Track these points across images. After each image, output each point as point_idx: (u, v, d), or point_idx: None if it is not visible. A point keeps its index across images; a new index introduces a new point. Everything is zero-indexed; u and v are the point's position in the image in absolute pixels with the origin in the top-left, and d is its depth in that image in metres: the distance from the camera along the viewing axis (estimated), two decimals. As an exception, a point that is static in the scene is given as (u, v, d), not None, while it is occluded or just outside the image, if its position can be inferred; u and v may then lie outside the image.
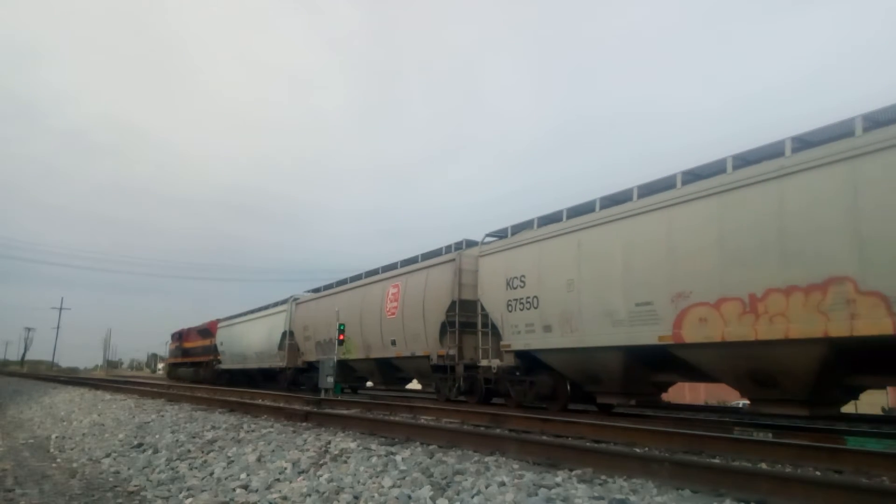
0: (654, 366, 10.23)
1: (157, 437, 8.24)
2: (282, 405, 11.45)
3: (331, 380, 17.14)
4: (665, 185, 9.72)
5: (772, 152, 8.33)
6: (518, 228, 12.84)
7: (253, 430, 7.77)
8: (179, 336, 39.60)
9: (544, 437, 6.88)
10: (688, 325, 8.93)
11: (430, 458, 5.32)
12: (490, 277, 13.09)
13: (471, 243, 14.81)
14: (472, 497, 4.12)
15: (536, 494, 4.02)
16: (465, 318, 13.94)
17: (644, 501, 3.84)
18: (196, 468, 6.14)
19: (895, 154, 6.96)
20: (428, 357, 14.73)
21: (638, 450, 6.34)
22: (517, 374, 12.41)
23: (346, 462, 5.41)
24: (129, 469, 6.65)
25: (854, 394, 8.80)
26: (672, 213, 9.39)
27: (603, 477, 4.49)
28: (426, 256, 16.23)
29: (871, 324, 6.95)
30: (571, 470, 4.74)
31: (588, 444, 6.42)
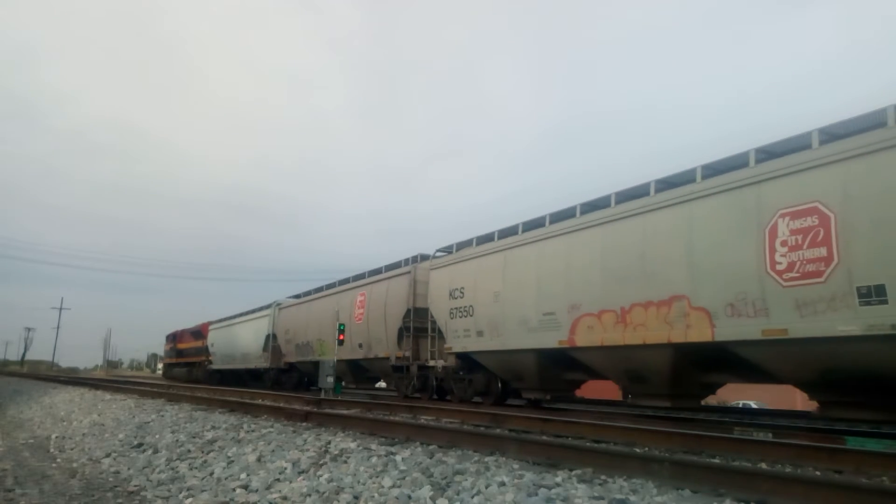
0: (561, 365, 11.98)
1: (157, 437, 8.24)
2: (282, 405, 11.44)
3: (331, 380, 17.16)
4: (568, 214, 11.63)
5: (642, 192, 10.22)
6: (462, 245, 14.62)
7: (253, 430, 7.77)
8: (174, 337, 40.99)
9: (544, 437, 6.89)
10: (579, 332, 10.78)
11: (430, 458, 5.32)
12: (437, 288, 14.98)
13: (424, 257, 16.60)
14: (472, 497, 4.12)
15: (536, 494, 4.02)
16: (419, 323, 15.70)
17: (644, 501, 3.84)
18: (196, 468, 6.14)
19: (716, 199, 8.88)
20: (388, 358, 16.50)
21: (638, 450, 6.34)
22: (460, 373, 14.24)
23: (346, 462, 5.41)
24: (129, 469, 6.65)
25: (711, 389, 10.69)
26: (570, 238, 11.34)
27: (603, 477, 4.49)
28: (389, 268, 17.94)
29: (699, 332, 8.85)
30: (571, 470, 4.73)
31: (588, 444, 6.43)
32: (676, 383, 9.72)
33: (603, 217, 10.76)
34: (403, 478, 4.70)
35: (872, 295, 7.09)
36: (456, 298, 14.10)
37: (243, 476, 5.46)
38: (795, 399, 21.80)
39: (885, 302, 6.93)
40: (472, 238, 14.29)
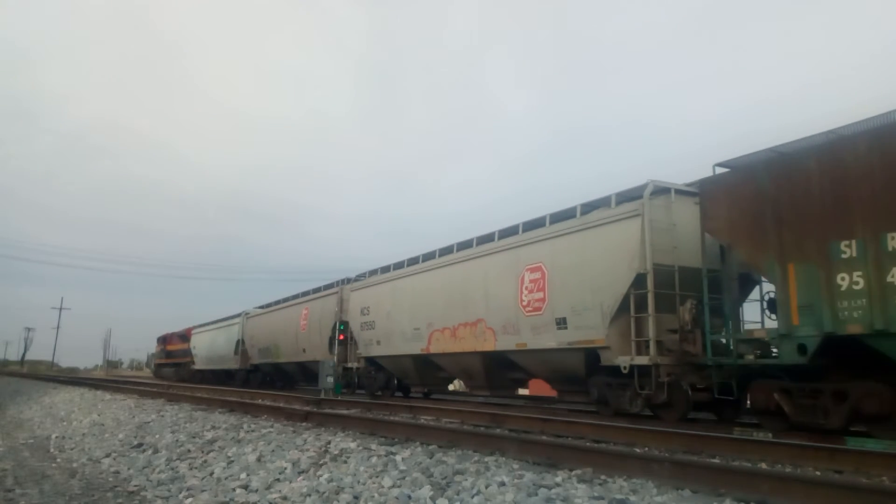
0: (427, 366, 15.78)
1: (157, 437, 8.24)
2: (282, 405, 11.45)
3: (330, 380, 17.17)
4: (430, 255, 15.71)
5: (468, 245, 14.37)
6: (372, 273, 18.69)
7: (253, 430, 7.77)
8: (164, 340, 44.21)
9: (544, 437, 6.89)
10: (433, 342, 14.81)
11: (430, 458, 5.32)
12: (353, 306, 18.83)
13: (348, 280, 20.30)
14: (472, 497, 4.12)
15: (536, 494, 4.02)
16: (347, 333, 19.52)
17: (644, 501, 3.84)
18: (196, 468, 6.14)
19: (499, 255, 12.99)
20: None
21: (638, 450, 6.34)
22: (371, 373, 18.11)
23: (346, 462, 5.41)
24: (128, 469, 6.65)
25: (520, 383, 14.69)
26: (429, 274, 15.46)
27: (603, 477, 4.49)
28: (327, 287, 21.89)
29: (490, 344, 12.92)
30: (571, 470, 4.73)
31: (588, 444, 6.43)
32: (491, 378, 13.91)
33: (446, 261, 14.98)
34: (403, 478, 4.70)
35: (562, 324, 11.15)
36: (364, 315, 18.03)
37: (243, 476, 5.46)
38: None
39: (566, 328, 11.04)
40: (377, 268, 18.38)
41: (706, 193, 9.19)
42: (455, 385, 20.27)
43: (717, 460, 5.63)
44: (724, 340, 9.03)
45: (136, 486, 5.85)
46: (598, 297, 10.45)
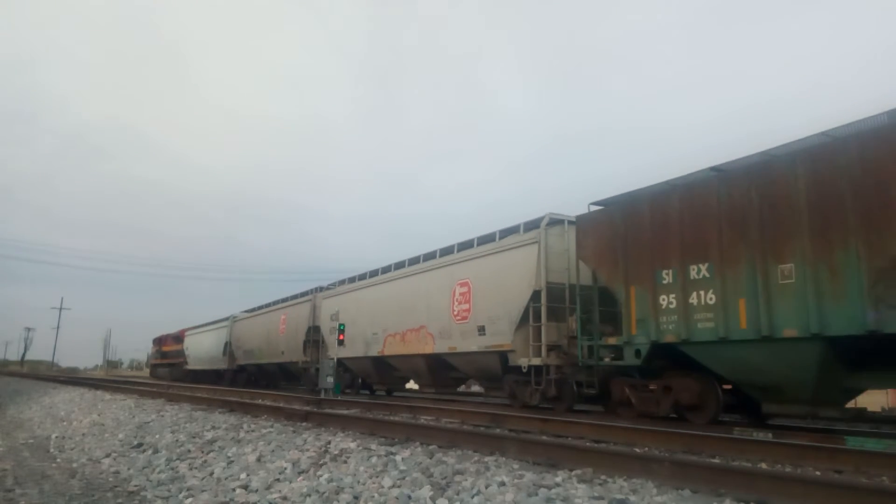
0: (384, 367, 17.92)
1: (157, 437, 8.24)
2: (282, 405, 11.44)
3: (330, 380, 17.18)
4: (387, 269, 18.06)
5: (416, 261, 16.70)
6: (342, 283, 21.11)
7: (253, 430, 7.77)
8: (160, 341, 46.47)
9: (544, 437, 6.89)
10: (387, 346, 16.95)
11: (430, 458, 5.32)
12: (325, 313, 21.06)
13: (321, 289, 22.52)
14: (472, 497, 4.12)
15: (536, 494, 4.02)
16: (317, 337, 21.57)
17: (644, 501, 3.84)
18: (196, 468, 6.14)
19: (438, 271, 15.31)
20: (298, 362, 22.53)
21: (638, 450, 6.34)
22: (340, 373, 19.31)
23: (345, 462, 5.41)
24: (128, 469, 6.65)
25: (461, 381, 17.25)
26: (385, 286, 17.76)
27: (603, 477, 4.49)
28: (303, 294, 23.97)
29: (430, 347, 15.01)
30: (571, 470, 4.73)
31: (588, 444, 6.43)
32: (434, 377, 15.94)
33: (398, 275, 17.16)
34: (403, 478, 4.70)
35: (482, 331, 13.35)
36: (333, 321, 20.10)
37: (243, 476, 5.46)
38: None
39: (485, 335, 13.25)
40: (345, 279, 20.96)
41: (580, 227, 11.21)
42: (412, 384, 21.17)
43: (717, 460, 5.63)
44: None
45: (136, 486, 5.85)
46: (507, 309, 12.62)
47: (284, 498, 4.66)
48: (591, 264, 10.91)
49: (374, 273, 18.84)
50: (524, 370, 11.92)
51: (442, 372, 15.69)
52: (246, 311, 30.78)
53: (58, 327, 74.09)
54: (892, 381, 7.98)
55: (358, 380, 19.95)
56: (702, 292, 8.77)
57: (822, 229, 7.53)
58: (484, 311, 13.28)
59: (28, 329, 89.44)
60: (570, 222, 11.96)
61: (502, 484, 4.30)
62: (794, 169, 7.94)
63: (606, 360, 10.37)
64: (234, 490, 5.08)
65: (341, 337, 19.36)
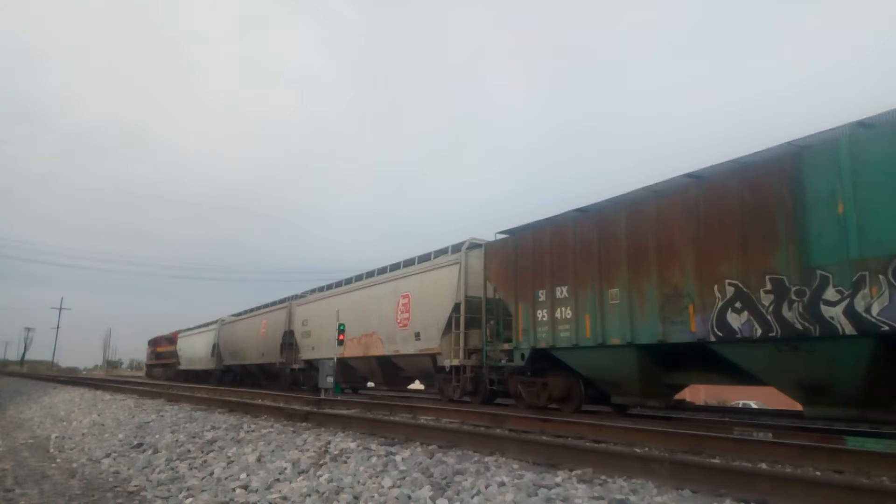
0: (347, 368, 20.07)
1: (156, 437, 8.24)
2: (282, 405, 11.44)
3: (331, 380, 17.18)
4: (348, 281, 20.98)
5: (371, 275, 19.50)
6: (313, 291, 23.83)
7: (253, 430, 7.77)
8: (154, 342, 48.71)
9: (544, 437, 6.88)
10: (347, 349, 19.27)
11: (430, 458, 5.32)
12: (298, 319, 23.55)
13: (297, 296, 24.88)
14: (472, 497, 4.12)
15: (536, 494, 4.02)
16: (292, 340, 23.92)
17: (644, 501, 3.84)
18: (196, 468, 6.14)
19: (384, 285, 17.89)
20: (276, 363, 24.98)
21: (638, 450, 6.34)
22: (311, 373, 21.77)
23: (345, 462, 5.41)
24: (128, 469, 6.65)
25: (410, 380, 19.38)
26: (343, 297, 20.55)
27: (603, 477, 4.49)
28: (281, 301, 26.45)
29: (381, 350, 17.43)
30: (571, 470, 4.73)
31: (588, 444, 6.43)
32: (386, 377, 18.43)
33: (357, 286, 19.99)
34: (403, 478, 4.70)
35: (418, 337, 15.64)
36: (304, 326, 22.66)
37: (243, 476, 5.46)
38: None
39: (420, 340, 15.57)
40: (315, 288, 24.02)
41: (487, 252, 13.74)
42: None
43: (717, 460, 5.63)
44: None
45: (135, 486, 5.85)
46: (435, 318, 15.00)
47: (284, 498, 4.66)
48: (494, 283, 13.34)
49: (339, 283, 21.58)
50: (447, 370, 14.30)
51: (391, 372, 18.14)
52: (233, 315, 32.69)
53: (58, 327, 74.07)
54: (703, 378, 9.91)
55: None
56: (563, 308, 11.08)
57: (635, 263, 9.82)
58: (419, 320, 15.70)
59: (28, 329, 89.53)
60: (488, 244, 14.05)
61: (502, 484, 4.30)
62: (618, 215, 10.27)
63: (503, 361, 12.68)
64: (233, 490, 5.08)
65: (341, 337, 19.54)
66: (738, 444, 6.31)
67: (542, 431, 7.98)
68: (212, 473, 5.78)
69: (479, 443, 6.03)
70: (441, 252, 15.85)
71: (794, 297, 7.59)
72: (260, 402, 12.69)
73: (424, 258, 16.57)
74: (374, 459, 5.37)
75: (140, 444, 7.85)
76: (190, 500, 5.07)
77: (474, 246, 14.51)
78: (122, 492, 5.68)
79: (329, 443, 6.32)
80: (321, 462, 5.53)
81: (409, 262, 17.30)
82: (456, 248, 15.16)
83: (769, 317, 7.82)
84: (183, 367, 38.90)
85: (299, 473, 5.27)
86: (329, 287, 22.15)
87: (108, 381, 28.30)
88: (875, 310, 6.85)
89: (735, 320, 8.23)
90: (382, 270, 18.75)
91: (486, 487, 4.26)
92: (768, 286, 7.88)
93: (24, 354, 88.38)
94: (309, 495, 4.56)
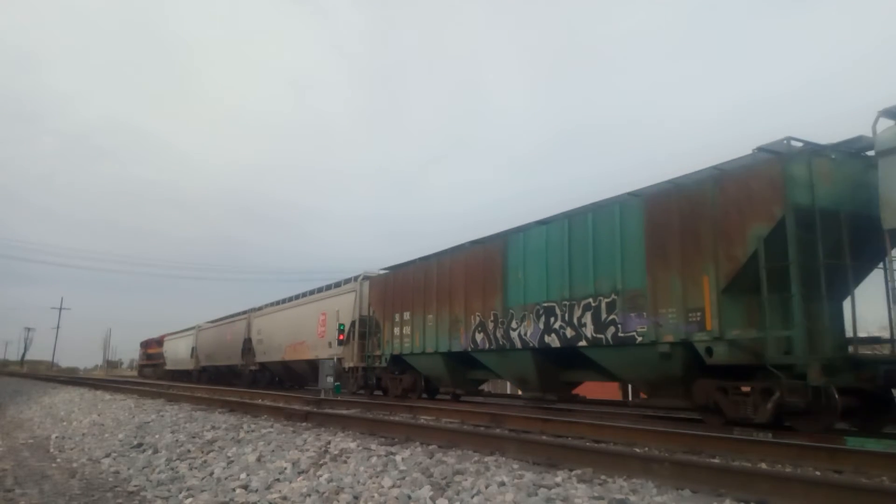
0: (289, 369, 24.30)
1: (156, 437, 8.24)
2: (282, 405, 11.44)
3: (330, 380, 17.17)
4: (298, 296, 25.03)
5: (310, 293, 23.67)
6: (268, 305, 27.78)
7: (253, 430, 7.77)
8: (146, 344, 52.81)
9: (544, 437, 6.88)
10: (287, 353, 23.47)
11: (430, 458, 5.32)
12: (255, 328, 27.62)
13: (255, 309, 28.95)
14: (472, 497, 4.12)
15: (536, 494, 4.02)
16: (251, 346, 27.73)
17: (644, 501, 3.84)
18: (196, 468, 6.14)
19: (313, 304, 22.56)
20: (237, 365, 29.19)
21: (638, 450, 6.33)
22: (265, 373, 26.99)
23: (345, 462, 5.42)
24: (128, 469, 6.65)
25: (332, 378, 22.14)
26: (290, 310, 24.43)
27: (603, 477, 4.49)
28: (243, 313, 30.33)
29: (308, 354, 21.64)
30: (571, 470, 4.73)
31: (588, 444, 6.43)
32: (314, 374, 19.05)
33: (295, 304, 24.46)
34: (403, 478, 4.70)
35: (331, 345, 19.46)
36: (259, 334, 26.73)
37: (243, 476, 5.46)
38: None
39: (332, 347, 19.49)
40: (270, 302, 27.89)
41: (371, 283, 18.24)
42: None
43: (717, 460, 5.63)
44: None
45: (135, 486, 5.85)
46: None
47: (284, 498, 4.66)
48: (373, 307, 17.76)
49: (285, 300, 26.42)
50: (346, 370, 18.63)
51: (316, 371, 20.79)
52: (208, 322, 37.04)
53: (58, 327, 74.09)
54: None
55: (275, 378, 26.96)
56: (406, 327, 15.58)
57: (440, 299, 14.36)
58: (331, 332, 19.95)
59: (28, 329, 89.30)
60: (372, 278, 18.58)
61: (502, 484, 4.30)
62: (432, 265, 15.08)
63: (376, 364, 17.02)
64: (233, 490, 5.08)
65: (341, 337, 19.75)
66: (738, 444, 6.31)
67: (542, 431, 7.98)
68: (212, 473, 5.78)
69: (479, 442, 6.04)
70: (348, 281, 20.87)
71: (500, 325, 12.29)
72: (260, 402, 12.70)
73: (337, 285, 21.62)
74: (374, 459, 5.38)
75: (140, 444, 7.85)
76: (190, 500, 5.07)
77: (367, 277, 19.13)
78: (122, 492, 5.68)
79: (329, 443, 6.33)
80: (321, 462, 5.54)
81: (328, 287, 22.40)
82: (355, 278, 20.10)
83: (492, 336, 12.49)
84: (169, 367, 42.93)
85: (299, 473, 5.27)
86: (279, 302, 27.09)
87: (107, 381, 28.32)
88: (529, 334, 11.45)
89: (479, 338, 12.96)
90: (313, 292, 23.76)
91: (486, 487, 4.26)
92: (492, 317, 12.54)
93: (24, 354, 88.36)
94: (309, 495, 4.56)
